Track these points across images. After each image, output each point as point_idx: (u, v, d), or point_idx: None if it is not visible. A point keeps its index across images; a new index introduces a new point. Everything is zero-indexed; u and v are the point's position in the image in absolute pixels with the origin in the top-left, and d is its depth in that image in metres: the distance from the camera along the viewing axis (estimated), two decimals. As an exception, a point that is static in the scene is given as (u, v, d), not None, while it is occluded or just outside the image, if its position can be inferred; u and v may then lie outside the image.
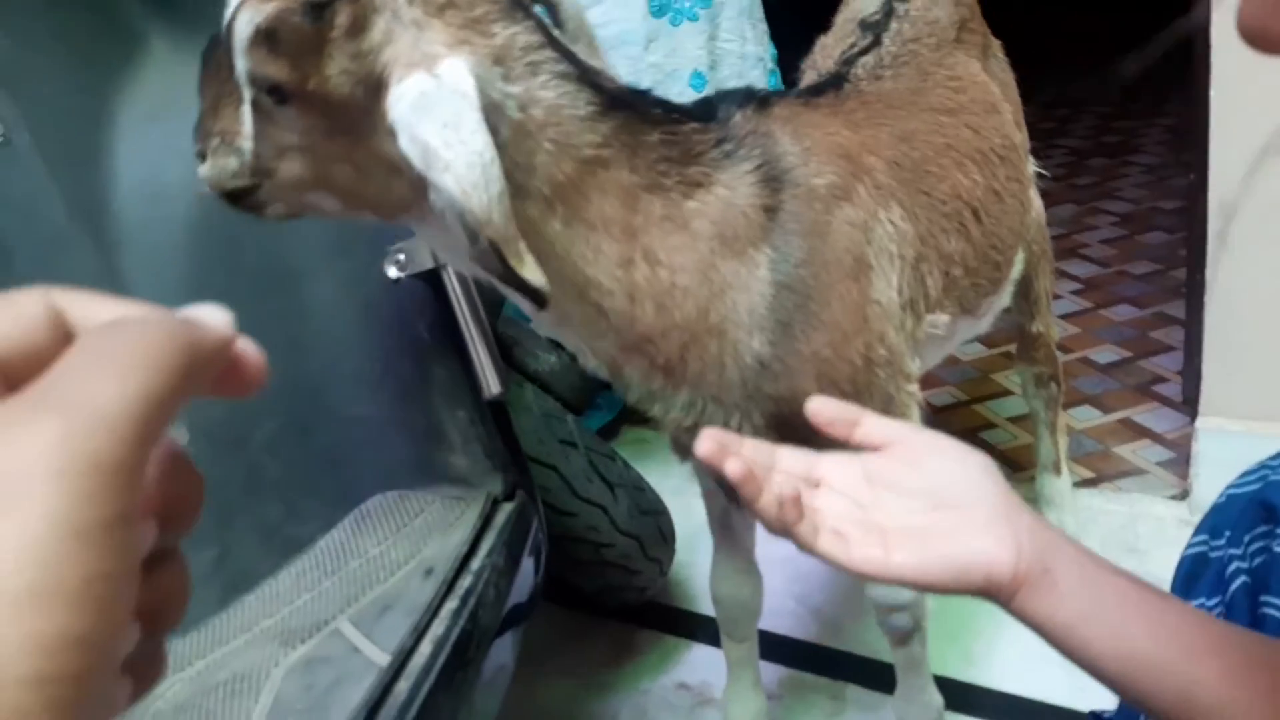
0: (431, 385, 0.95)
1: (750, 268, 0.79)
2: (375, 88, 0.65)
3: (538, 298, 0.67)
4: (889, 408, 0.91)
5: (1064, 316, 2.27)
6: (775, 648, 1.48)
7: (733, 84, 1.66)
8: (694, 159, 0.77)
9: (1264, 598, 0.98)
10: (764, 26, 1.70)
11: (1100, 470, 1.76)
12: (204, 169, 0.72)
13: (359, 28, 0.64)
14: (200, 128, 0.73)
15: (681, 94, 1.60)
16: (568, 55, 0.71)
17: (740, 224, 0.78)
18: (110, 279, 0.99)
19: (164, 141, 1.03)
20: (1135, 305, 2.31)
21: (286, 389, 1.03)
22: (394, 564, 0.89)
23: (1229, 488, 1.11)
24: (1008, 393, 2.05)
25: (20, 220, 0.96)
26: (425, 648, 0.75)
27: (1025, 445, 1.88)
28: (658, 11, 1.57)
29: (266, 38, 0.64)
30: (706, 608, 1.61)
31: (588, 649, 1.58)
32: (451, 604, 0.79)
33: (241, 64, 0.66)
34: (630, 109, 0.74)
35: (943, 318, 1.01)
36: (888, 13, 1.11)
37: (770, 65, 1.71)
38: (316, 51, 0.64)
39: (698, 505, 1.56)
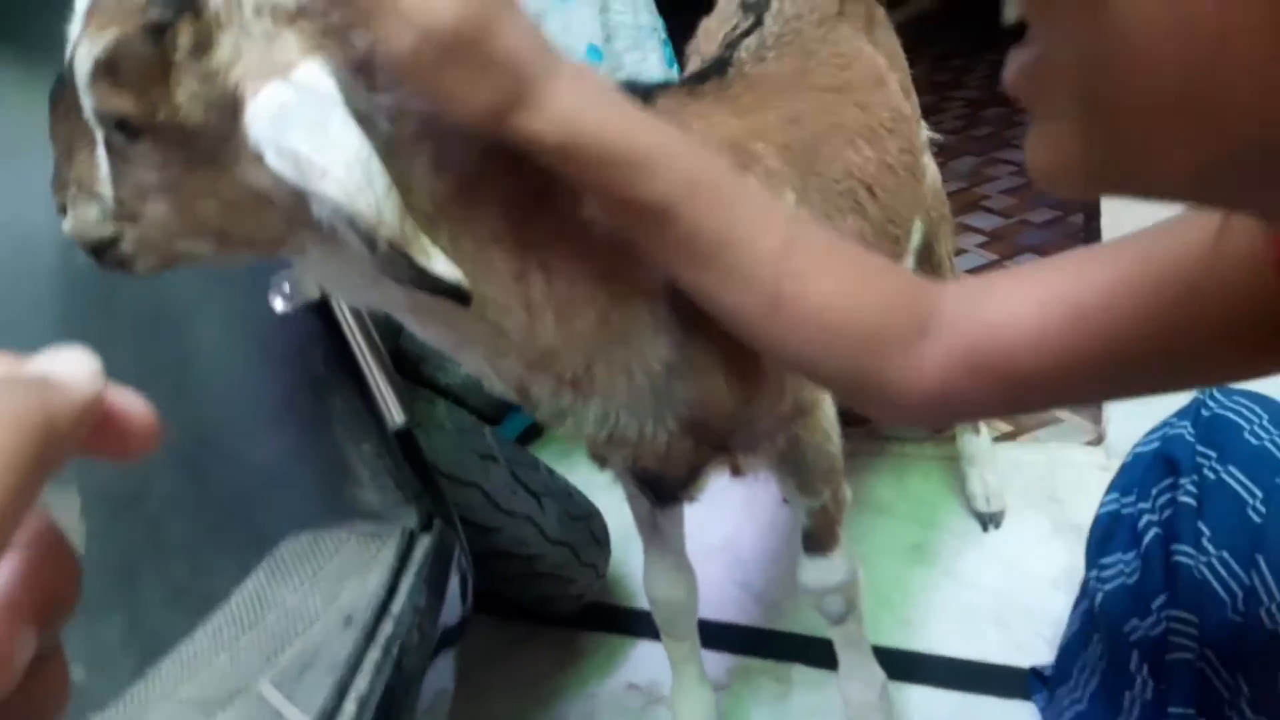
0: (332, 420, 0.92)
1: (647, 269, 0.77)
2: (230, 109, 0.60)
3: (460, 295, 0.62)
4: (799, 394, 0.90)
5: (971, 270, 2.30)
6: (718, 635, 1.48)
7: (629, 56, 1.65)
8: None
9: (1174, 546, 1.00)
10: None
11: (1017, 422, 1.80)
12: (66, 223, 0.67)
13: (204, 47, 0.59)
14: (57, 177, 0.67)
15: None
16: None
17: None
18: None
19: (24, 184, 0.98)
20: (1039, 253, 2.35)
21: (179, 438, 0.98)
22: (312, 614, 0.85)
23: (1135, 446, 1.14)
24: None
25: None
26: (349, 707, 0.72)
27: (944, 405, 1.91)
28: None
29: (107, 70, 0.58)
30: (646, 604, 1.61)
31: (530, 658, 1.56)
32: (374, 655, 0.76)
33: (87, 102, 0.61)
34: None
35: None
36: None
37: (663, 35, 1.71)
38: (162, 78, 0.59)
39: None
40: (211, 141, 0.60)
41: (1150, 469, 1.06)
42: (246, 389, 0.95)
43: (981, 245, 2.45)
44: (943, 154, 1.39)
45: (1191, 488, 1.00)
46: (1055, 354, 0.60)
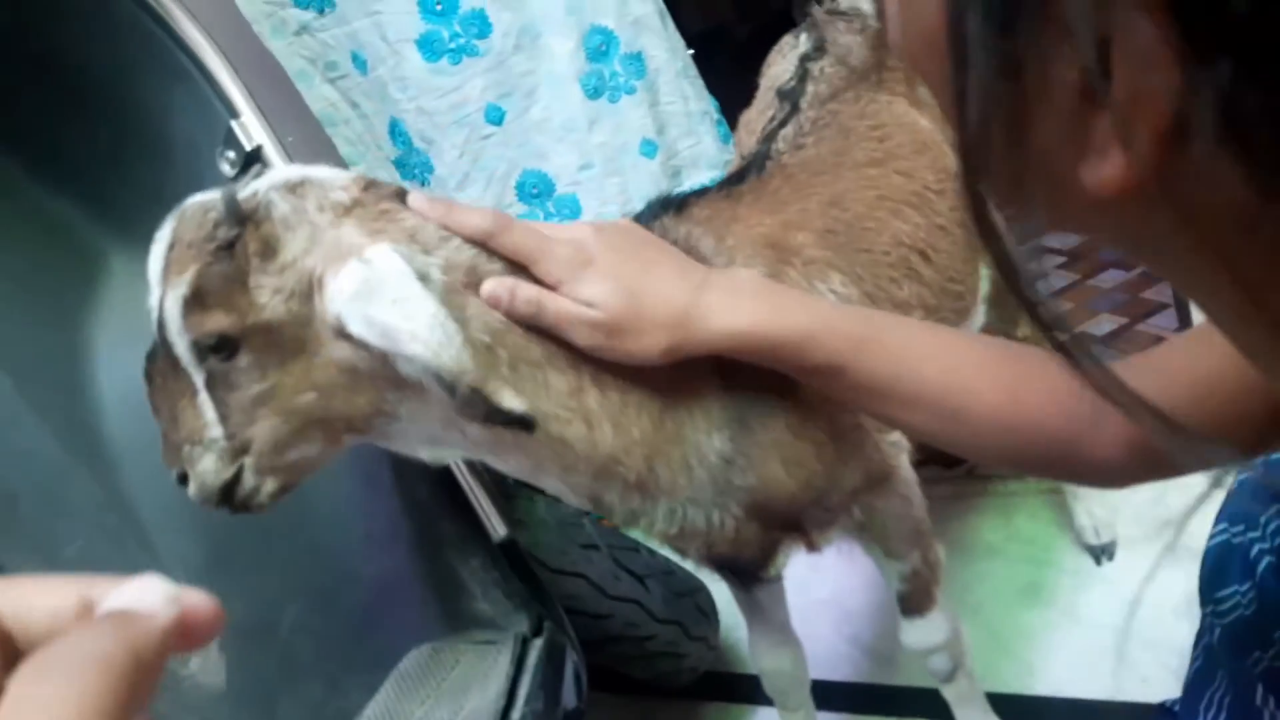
0: (441, 541, 0.97)
1: (696, 373, 0.80)
2: (307, 295, 0.68)
3: (526, 423, 0.69)
4: (869, 467, 0.92)
5: (1054, 294, 2.27)
6: (833, 695, 1.48)
7: (684, 143, 1.69)
8: None
9: (1292, 575, 0.98)
10: (700, 82, 1.73)
11: (1119, 448, 1.76)
12: (191, 488, 0.72)
13: (272, 248, 0.67)
14: (167, 449, 0.74)
15: (635, 165, 1.65)
16: None
17: None
18: (112, 502, 1.01)
19: (140, 355, 1.07)
20: (1121, 268, 2.31)
21: (303, 567, 1.05)
22: (440, 726, 0.90)
23: (1240, 474, 1.12)
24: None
25: (18, 464, 0.98)
26: (482, 816, 0.76)
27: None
28: (594, 94, 1.61)
29: (195, 300, 0.67)
30: (760, 672, 1.62)
31: (653, 733, 1.58)
32: (500, 763, 0.81)
33: (183, 344, 0.68)
34: None
35: None
36: (801, 76, 1.12)
37: (716, 116, 1.75)
38: (243, 286, 0.67)
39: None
40: (296, 329, 0.68)
41: (1256, 495, 1.05)
42: (360, 517, 1.01)
43: (1060, 267, 2.42)
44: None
45: (1301, 512, 0.98)
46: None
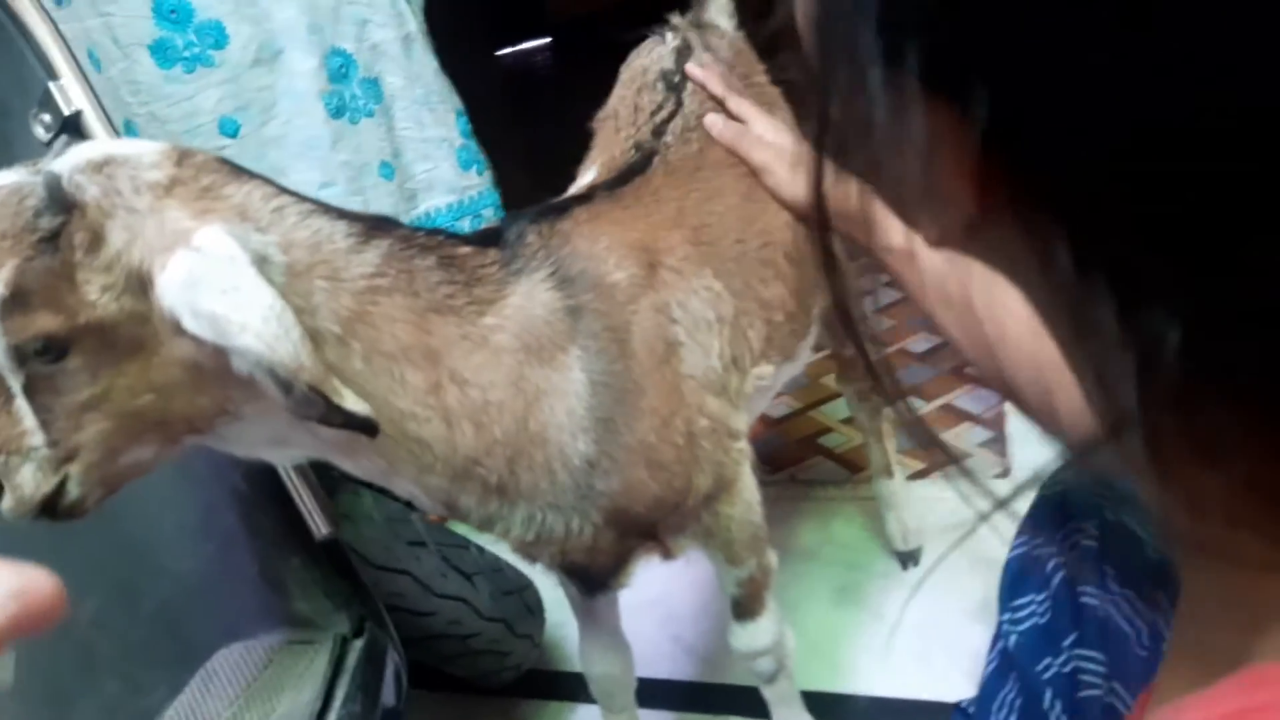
0: (259, 535, 0.93)
1: (562, 371, 0.80)
2: (140, 289, 0.62)
3: (368, 427, 0.66)
4: (720, 471, 0.94)
5: (877, 311, 2.37)
6: (654, 692, 1.51)
7: (419, 166, 1.73)
8: (479, 280, 0.79)
9: (1080, 587, 1.06)
10: (448, 106, 1.76)
11: (930, 460, 1.86)
12: (6, 502, 0.65)
13: (98, 239, 0.61)
14: None
15: (374, 185, 1.67)
16: (307, 199, 0.72)
17: (544, 332, 0.80)
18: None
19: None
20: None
21: (108, 557, 0.98)
22: (249, 729, 0.86)
23: (1040, 490, 1.20)
24: (837, 395, 2.13)
25: None
26: (292, 826, 0.73)
27: (860, 446, 1.97)
28: (336, 114, 1.61)
29: (17, 300, 0.60)
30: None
31: (473, 730, 1.57)
32: (313, 770, 0.78)
33: (1, 344, 0.61)
34: (391, 235, 0.75)
35: (768, 369, 1.04)
36: (681, 70, 1.13)
37: (460, 141, 1.78)
38: (70, 283, 0.61)
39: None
40: (132, 328, 0.63)
41: (1055, 512, 1.12)
42: (170, 508, 0.95)
43: (886, 283, 2.52)
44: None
45: (1093, 530, 1.06)
46: None
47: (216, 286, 0.60)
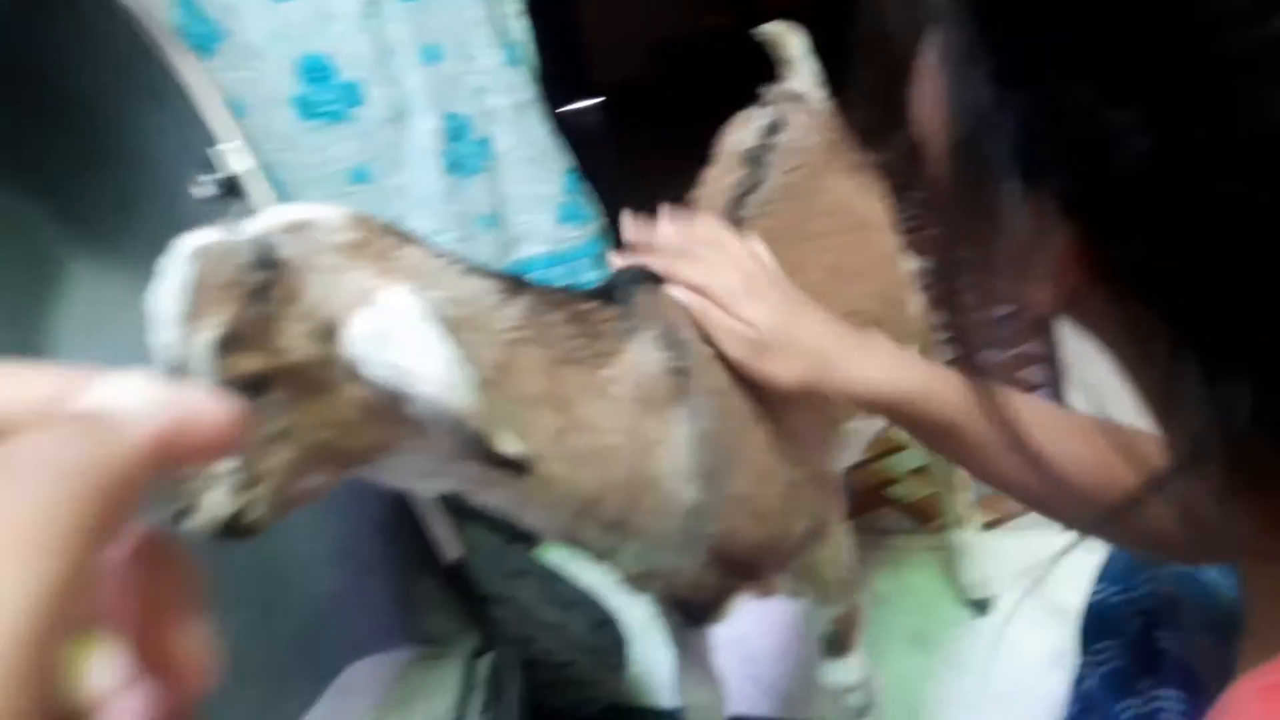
0: (393, 557, 1.01)
1: (669, 425, 0.87)
2: (327, 338, 0.71)
3: (521, 466, 0.74)
4: (814, 516, 1.00)
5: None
6: (734, 729, 1.56)
7: (519, 219, 1.89)
8: (600, 334, 0.86)
9: (1156, 632, 1.11)
10: (555, 167, 1.92)
11: (1000, 510, 1.91)
12: (196, 520, 0.72)
13: (295, 293, 0.70)
14: (166, 488, 0.72)
15: (479, 235, 1.83)
16: (459, 258, 0.80)
17: (653, 387, 0.87)
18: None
19: (99, 360, 1.08)
20: (1000, 349, 2.48)
21: (251, 576, 1.07)
22: (386, 736, 0.94)
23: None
24: (903, 447, 2.18)
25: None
26: (442, 822, 0.80)
27: (928, 496, 2.02)
28: (450, 169, 1.78)
29: (229, 343, 0.68)
30: (663, 700, 1.68)
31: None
32: (454, 773, 0.85)
33: (208, 385, 0.69)
34: (530, 292, 0.82)
35: (859, 423, 1.11)
36: (765, 148, 1.21)
37: (561, 199, 1.93)
38: (272, 330, 0.69)
39: (641, 599, 1.63)
40: (319, 372, 0.71)
41: (1130, 560, 1.17)
42: (313, 533, 1.04)
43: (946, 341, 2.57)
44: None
45: (1171, 577, 1.11)
46: None
47: (401, 341, 0.68)
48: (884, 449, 2.19)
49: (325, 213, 0.76)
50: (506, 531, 1.40)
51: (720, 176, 1.22)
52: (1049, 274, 0.41)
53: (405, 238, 0.79)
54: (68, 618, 0.20)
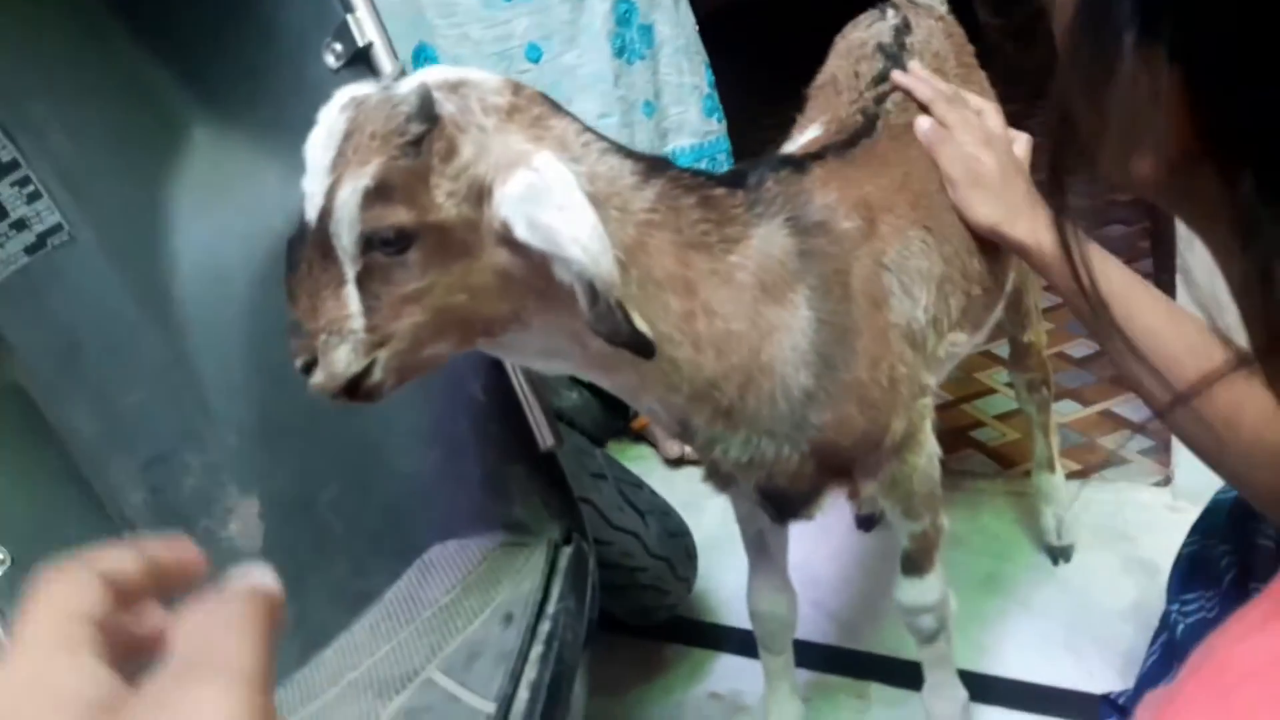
0: (488, 441, 1.02)
1: (791, 310, 0.87)
2: (477, 199, 0.71)
3: (647, 347, 0.74)
4: (909, 420, 0.99)
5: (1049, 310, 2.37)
6: (799, 652, 1.56)
7: (674, 109, 1.94)
8: (729, 220, 0.86)
9: (1252, 584, 1.08)
10: (700, 58, 1.96)
11: (1086, 461, 1.87)
12: (316, 377, 0.73)
13: (451, 149, 0.71)
14: (299, 336, 0.74)
15: (639, 121, 1.88)
16: (603, 136, 0.80)
17: (778, 272, 0.87)
18: (176, 362, 1.05)
19: (218, 224, 1.10)
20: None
21: (347, 450, 1.10)
22: (470, 612, 0.96)
23: (1216, 493, 1.22)
24: (992, 390, 2.15)
25: (90, 314, 1.01)
26: (523, 693, 0.82)
27: (1013, 442, 1.98)
28: (618, 53, 1.83)
29: (379, 193, 0.68)
30: (729, 618, 1.69)
31: (618, 667, 1.65)
32: (538, 649, 0.86)
33: (350, 235, 0.70)
34: (665, 175, 0.82)
35: (961, 336, 1.09)
36: (900, 45, 1.18)
37: (706, 90, 1.97)
38: (424, 185, 0.70)
39: (707, 518, 1.64)
40: (464, 233, 0.72)
41: (1230, 514, 1.14)
42: (408, 411, 1.06)
43: (1045, 287, 2.51)
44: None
45: (1271, 532, 1.08)
46: None
47: (553, 203, 0.69)
48: (973, 391, 2.16)
49: (482, 75, 0.76)
50: (586, 433, 1.41)
51: (850, 67, 1.19)
52: (1156, 140, 0.41)
53: (557, 108, 0.79)
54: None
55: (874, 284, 0.93)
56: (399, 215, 0.70)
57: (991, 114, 1.08)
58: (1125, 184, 0.46)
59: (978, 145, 1.03)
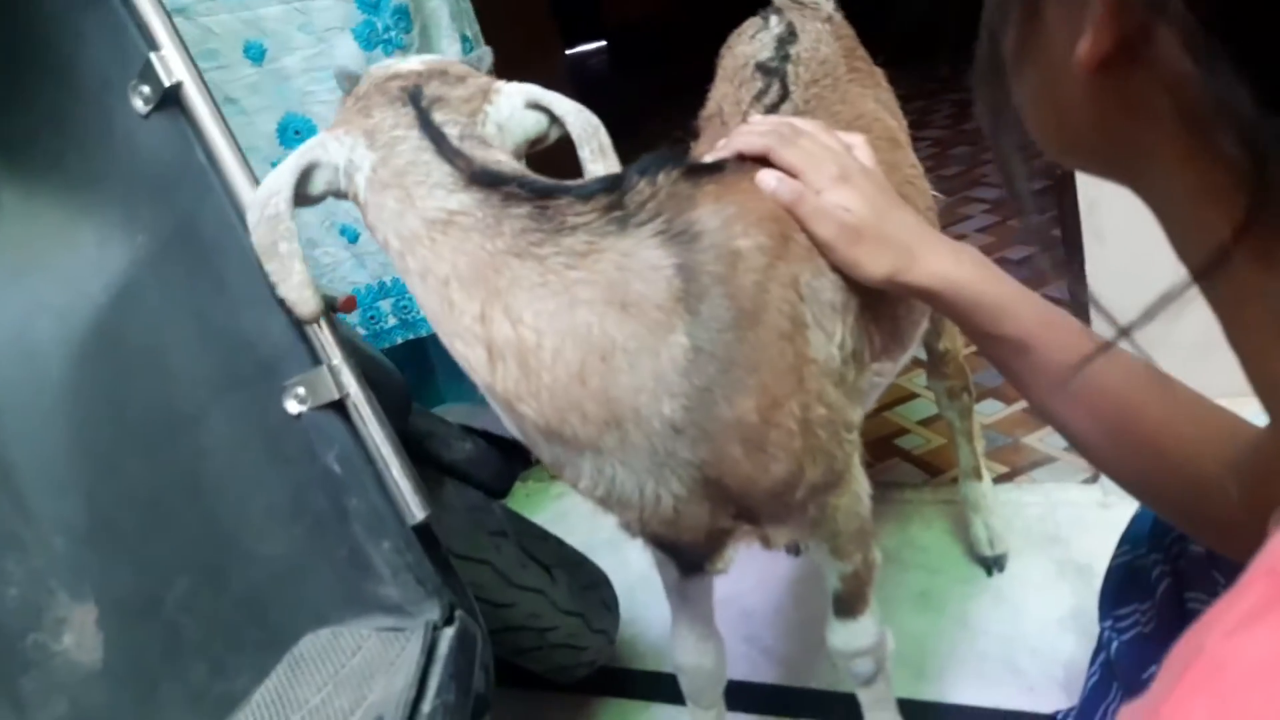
0: (349, 518, 0.91)
1: (657, 332, 0.76)
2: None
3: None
4: (832, 464, 0.89)
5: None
6: (733, 695, 1.47)
7: None
8: (566, 230, 0.77)
9: (1187, 594, 1.01)
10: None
11: (1013, 463, 1.81)
12: None
13: None
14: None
15: None
16: (447, 146, 0.81)
17: (638, 289, 0.76)
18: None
19: (28, 298, 0.98)
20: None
21: (194, 540, 0.98)
22: (341, 714, 0.85)
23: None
24: (914, 396, 2.09)
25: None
26: (390, 814, 0.72)
27: (938, 448, 1.92)
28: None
29: None
30: (662, 664, 1.60)
31: (545, 727, 1.55)
32: (409, 757, 0.76)
33: None
34: (493, 187, 0.79)
35: (888, 365, 1.01)
36: (783, 58, 1.10)
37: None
38: None
39: (635, 556, 1.54)
40: None
41: (1159, 520, 1.08)
42: (260, 488, 0.95)
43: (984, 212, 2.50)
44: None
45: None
46: None
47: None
48: (894, 397, 2.10)
49: (419, 58, 0.91)
50: (483, 486, 1.30)
51: (735, 89, 1.11)
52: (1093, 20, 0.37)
53: (403, 110, 0.84)
54: None
55: (783, 313, 0.82)
56: None
57: (860, 146, 0.92)
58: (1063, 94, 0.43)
59: (837, 188, 0.85)
